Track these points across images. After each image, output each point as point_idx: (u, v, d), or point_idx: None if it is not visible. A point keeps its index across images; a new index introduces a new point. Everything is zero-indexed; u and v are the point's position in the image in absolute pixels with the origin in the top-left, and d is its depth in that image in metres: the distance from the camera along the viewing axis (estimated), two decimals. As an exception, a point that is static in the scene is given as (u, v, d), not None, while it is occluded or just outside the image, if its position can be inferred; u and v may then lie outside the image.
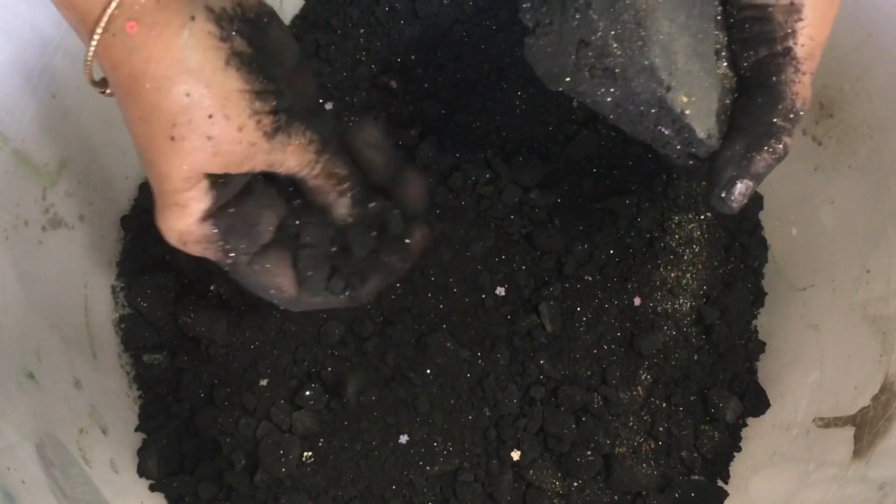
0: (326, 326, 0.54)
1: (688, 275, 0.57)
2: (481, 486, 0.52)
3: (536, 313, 0.55)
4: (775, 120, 0.39)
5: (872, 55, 0.51)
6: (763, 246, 0.60)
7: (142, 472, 0.54)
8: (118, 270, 0.59)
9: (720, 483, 0.55)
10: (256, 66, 0.34)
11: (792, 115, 0.39)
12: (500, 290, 0.56)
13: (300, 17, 0.64)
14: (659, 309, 0.56)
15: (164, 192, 0.36)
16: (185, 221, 0.36)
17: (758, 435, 0.56)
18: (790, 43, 0.38)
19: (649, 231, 0.57)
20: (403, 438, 0.52)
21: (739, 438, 0.56)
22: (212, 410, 0.54)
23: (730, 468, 0.56)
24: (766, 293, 0.60)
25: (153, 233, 0.59)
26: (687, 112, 0.39)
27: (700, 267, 0.58)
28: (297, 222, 0.41)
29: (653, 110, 0.39)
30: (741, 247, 0.59)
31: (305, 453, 0.52)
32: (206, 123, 0.33)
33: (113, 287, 0.58)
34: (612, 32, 0.37)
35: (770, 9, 0.38)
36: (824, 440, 0.52)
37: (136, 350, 0.57)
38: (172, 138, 0.33)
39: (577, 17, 0.38)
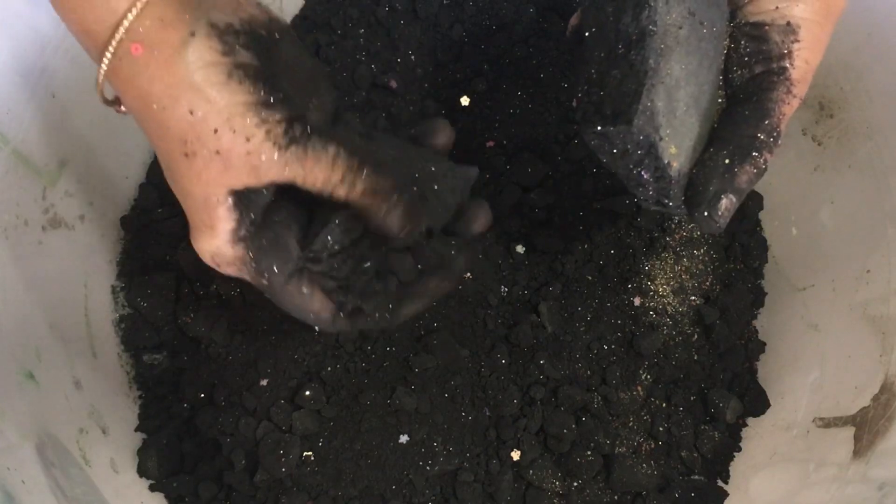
0: (326, 326, 0.54)
1: (688, 275, 0.57)
2: (481, 486, 0.52)
3: (536, 313, 0.55)
4: (759, 134, 0.38)
5: (872, 55, 0.51)
6: (763, 246, 0.60)
7: (142, 472, 0.54)
8: (118, 270, 0.59)
9: (720, 483, 0.55)
10: (263, 77, 0.34)
11: (775, 134, 0.39)
12: (501, 290, 0.56)
13: (300, 17, 0.64)
14: (659, 309, 0.56)
15: (190, 211, 0.36)
16: (215, 243, 0.36)
17: (758, 435, 0.56)
18: (786, 63, 0.38)
19: (649, 231, 0.57)
20: (403, 438, 0.52)
21: (739, 438, 0.56)
22: (212, 410, 0.54)
23: (730, 468, 0.56)
24: (766, 293, 0.60)
25: (153, 233, 0.60)
26: (674, 165, 0.38)
27: (700, 267, 0.58)
28: (334, 245, 0.38)
29: (639, 152, 0.38)
30: (741, 247, 0.59)
31: (305, 453, 0.52)
32: (213, 138, 0.33)
33: (113, 287, 0.58)
34: (623, 65, 0.37)
35: (766, 27, 0.38)
36: (824, 440, 0.52)
37: (136, 350, 0.57)
38: (186, 155, 0.34)
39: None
